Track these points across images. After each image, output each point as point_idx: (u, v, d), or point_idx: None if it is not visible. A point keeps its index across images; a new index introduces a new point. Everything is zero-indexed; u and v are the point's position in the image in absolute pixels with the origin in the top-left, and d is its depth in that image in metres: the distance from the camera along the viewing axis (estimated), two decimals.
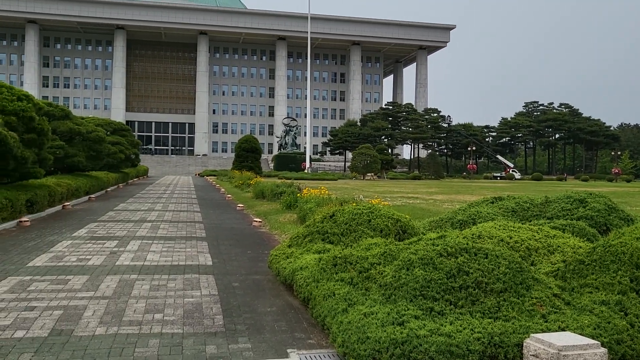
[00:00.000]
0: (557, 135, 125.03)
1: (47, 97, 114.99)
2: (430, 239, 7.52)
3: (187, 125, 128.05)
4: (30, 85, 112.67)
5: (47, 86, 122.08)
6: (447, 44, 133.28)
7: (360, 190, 33.72)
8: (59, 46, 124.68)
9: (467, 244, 5.97)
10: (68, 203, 22.03)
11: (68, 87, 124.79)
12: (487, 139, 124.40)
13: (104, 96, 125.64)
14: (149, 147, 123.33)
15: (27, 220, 15.82)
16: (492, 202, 13.08)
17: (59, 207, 20.96)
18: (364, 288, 6.22)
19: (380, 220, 8.56)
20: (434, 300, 5.31)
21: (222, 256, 11.06)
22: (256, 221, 17.22)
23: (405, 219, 8.89)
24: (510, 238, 7.87)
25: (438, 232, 9.31)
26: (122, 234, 14.00)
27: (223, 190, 36.56)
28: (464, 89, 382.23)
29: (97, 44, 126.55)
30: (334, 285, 6.36)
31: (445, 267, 5.59)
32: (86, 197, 26.57)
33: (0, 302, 6.98)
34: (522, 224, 9.14)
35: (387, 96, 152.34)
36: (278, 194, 24.06)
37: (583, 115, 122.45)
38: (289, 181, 28.70)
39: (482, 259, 5.68)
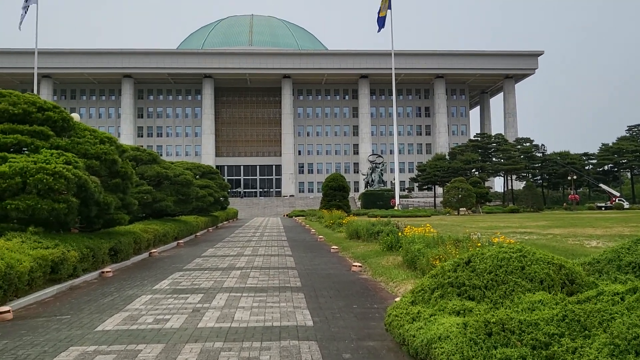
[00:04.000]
0: None
1: (142, 145, 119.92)
2: (617, 293, 5.26)
3: (273, 167, 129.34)
4: (127, 136, 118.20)
5: (142, 136, 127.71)
6: (535, 70, 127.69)
7: (462, 227, 30.96)
8: (151, 97, 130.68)
9: None
10: (155, 250, 21.04)
11: (161, 136, 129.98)
12: (586, 167, 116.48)
13: (194, 143, 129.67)
14: (238, 190, 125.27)
15: (110, 271, 14.68)
16: None
17: (145, 255, 19.97)
18: None
19: (538, 267, 6.33)
20: None
21: (323, 312, 9.13)
22: (355, 265, 15.22)
23: (570, 264, 6.60)
24: None
25: (610, 281, 6.93)
26: (208, 285, 12.42)
27: (313, 230, 34.94)
28: (557, 116, 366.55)
29: (186, 93, 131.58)
30: None
31: None
32: (174, 243, 25.69)
33: None
34: None
35: (474, 128, 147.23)
36: (374, 233, 21.99)
37: None
38: (384, 219, 26.57)
39: None
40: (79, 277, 13.30)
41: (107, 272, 14.55)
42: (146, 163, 27.64)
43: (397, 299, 9.50)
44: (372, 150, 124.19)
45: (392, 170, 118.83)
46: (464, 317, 6.06)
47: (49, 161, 13.73)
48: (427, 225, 18.36)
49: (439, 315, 6.20)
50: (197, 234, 33.20)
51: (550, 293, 6.09)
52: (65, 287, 12.28)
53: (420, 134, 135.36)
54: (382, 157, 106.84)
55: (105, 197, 16.06)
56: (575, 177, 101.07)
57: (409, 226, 19.06)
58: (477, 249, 7.08)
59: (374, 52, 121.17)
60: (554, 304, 5.59)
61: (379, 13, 65.38)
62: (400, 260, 15.13)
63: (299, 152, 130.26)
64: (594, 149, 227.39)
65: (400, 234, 18.23)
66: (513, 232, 24.34)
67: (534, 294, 6.03)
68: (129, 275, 14.59)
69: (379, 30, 66.64)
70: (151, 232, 21.79)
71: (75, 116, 21.83)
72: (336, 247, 21.41)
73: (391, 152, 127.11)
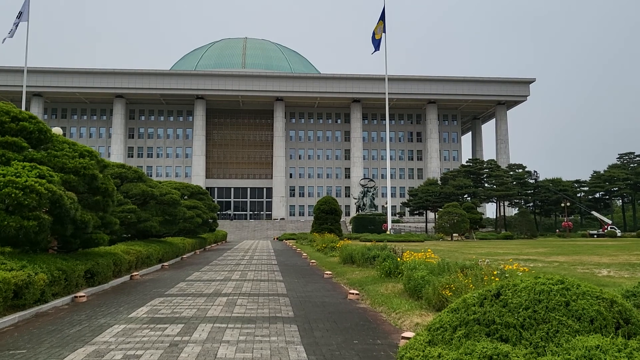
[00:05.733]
0: None
1: (132, 166, 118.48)
2: None
3: (264, 189, 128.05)
4: (117, 156, 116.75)
5: (132, 156, 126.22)
6: (528, 97, 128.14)
7: (460, 253, 29.86)
8: (143, 118, 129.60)
9: None
10: (137, 272, 19.74)
11: (151, 157, 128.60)
12: (578, 194, 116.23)
13: (184, 164, 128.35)
14: (228, 212, 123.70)
15: (84, 296, 13.40)
16: None
17: (126, 278, 18.66)
18: None
19: (586, 303, 5.23)
20: None
21: (320, 350, 7.94)
22: (352, 293, 14.03)
23: (621, 299, 5.51)
24: None
25: None
26: (190, 313, 11.18)
27: (305, 254, 33.68)
28: (549, 143, 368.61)
29: (178, 114, 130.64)
30: None
31: None
32: (159, 265, 24.36)
33: None
34: None
35: (466, 154, 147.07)
36: (370, 258, 20.83)
37: None
38: (380, 243, 25.42)
39: None
40: (48, 303, 12.02)
41: (80, 297, 13.28)
42: (131, 181, 26.43)
43: (407, 334, 8.34)
44: (364, 174, 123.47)
45: (383, 195, 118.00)
46: None
47: (20, 174, 12.54)
48: (429, 250, 17.24)
49: None
50: (184, 256, 31.84)
51: (603, 335, 4.98)
52: (30, 314, 11.00)
53: (412, 159, 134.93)
54: (373, 181, 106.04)
55: (83, 215, 14.83)
56: (568, 204, 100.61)
57: (408, 251, 17.93)
58: (506, 279, 5.96)
59: (366, 77, 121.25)
60: (615, 351, 4.48)
61: (374, 35, 64.99)
62: (400, 288, 13.97)
63: (291, 175, 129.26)
64: (585, 176, 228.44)
65: (399, 259, 17.10)
66: (515, 260, 23.22)
67: (584, 336, 4.91)
68: (104, 300, 13.31)
69: (374, 52, 66.14)
70: (133, 254, 20.51)
71: (56, 130, 20.68)
72: (330, 273, 20.20)
73: (383, 176, 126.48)
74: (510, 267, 11.05)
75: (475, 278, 10.17)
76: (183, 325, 9.84)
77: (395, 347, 8.17)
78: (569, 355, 4.54)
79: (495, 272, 10.11)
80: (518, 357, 4.93)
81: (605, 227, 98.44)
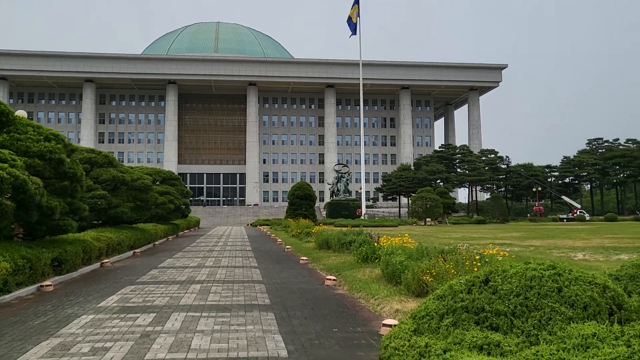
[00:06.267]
0: (626, 173, 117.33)
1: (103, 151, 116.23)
2: None
3: (238, 175, 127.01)
4: (87, 142, 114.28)
5: (103, 142, 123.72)
6: (500, 83, 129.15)
7: (434, 237, 29.88)
8: (114, 103, 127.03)
9: None
10: (108, 260, 19.18)
11: (122, 142, 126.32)
12: (548, 179, 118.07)
13: (156, 150, 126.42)
14: (201, 198, 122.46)
15: (50, 285, 12.86)
16: None
17: (96, 265, 18.11)
18: None
19: (579, 288, 5.00)
20: None
21: (298, 339, 7.64)
22: (329, 279, 13.76)
23: (613, 285, 5.30)
24: None
25: None
26: (163, 302, 10.77)
27: (280, 240, 33.35)
28: (520, 129, 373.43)
29: (149, 100, 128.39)
30: None
31: None
32: (130, 252, 23.79)
33: None
34: None
35: (439, 139, 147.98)
36: (346, 243, 20.61)
37: None
38: (356, 229, 25.22)
39: None
40: (11, 293, 11.47)
41: (47, 286, 12.74)
42: (101, 166, 25.67)
43: (388, 321, 8.09)
44: (338, 159, 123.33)
45: (357, 180, 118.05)
46: (492, 354, 4.67)
47: None
48: (406, 235, 17.06)
49: (456, 351, 4.79)
50: (156, 242, 31.24)
51: (597, 322, 4.76)
52: None
53: (386, 145, 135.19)
54: (347, 166, 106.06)
55: (49, 201, 14.23)
56: (540, 188, 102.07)
57: (385, 236, 17.74)
58: (493, 265, 5.71)
59: (340, 62, 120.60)
60: (612, 339, 4.26)
61: (350, 19, 64.44)
62: (378, 274, 13.76)
63: (264, 160, 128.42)
64: (556, 161, 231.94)
65: (375, 244, 16.89)
66: (489, 244, 23.24)
67: (579, 324, 4.69)
68: (73, 289, 12.81)
69: (351, 35, 65.68)
70: (104, 241, 19.92)
71: (20, 112, 19.86)
72: (306, 258, 19.92)
73: (356, 162, 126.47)
74: (490, 251, 10.88)
75: (457, 263, 9.97)
76: (155, 314, 9.45)
77: (376, 335, 7.92)
78: (565, 344, 4.30)
79: (477, 257, 9.92)
80: (510, 346, 4.70)
81: (575, 211, 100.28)
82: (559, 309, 4.90)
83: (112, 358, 6.54)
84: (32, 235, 15.56)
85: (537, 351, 4.24)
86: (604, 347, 4.14)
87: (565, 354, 4.13)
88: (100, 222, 27.16)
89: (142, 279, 14.64)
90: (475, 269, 9.21)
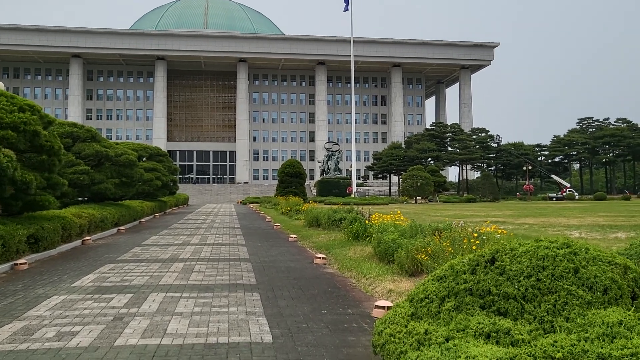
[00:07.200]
0: (615, 152, 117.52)
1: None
2: None
3: (228, 153, 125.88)
4: (75, 118, 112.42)
5: (91, 118, 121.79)
6: (491, 62, 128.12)
7: (426, 215, 29.41)
8: (101, 79, 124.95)
9: None
10: (89, 237, 18.52)
11: (111, 119, 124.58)
12: (539, 158, 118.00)
13: (145, 127, 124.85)
14: (190, 175, 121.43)
15: (25, 263, 12.22)
16: None
17: (77, 243, 17.45)
18: None
19: (597, 269, 4.45)
20: None
21: (285, 321, 7.08)
22: (319, 257, 13.22)
23: (635, 266, 4.75)
24: None
25: None
26: (142, 281, 10.17)
27: (269, 218, 32.78)
28: (511, 108, 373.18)
29: (138, 76, 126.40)
30: None
31: None
32: (114, 230, 23.13)
33: None
34: None
35: (430, 118, 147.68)
36: (337, 220, 20.08)
37: None
38: (347, 206, 24.68)
39: None
40: None
41: (21, 264, 12.10)
42: (84, 141, 24.84)
43: (380, 302, 7.55)
44: (329, 137, 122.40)
45: (348, 159, 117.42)
46: (501, 343, 4.11)
47: None
48: (398, 212, 16.52)
49: (459, 339, 4.23)
50: (142, 220, 30.56)
51: (619, 307, 4.21)
52: None
53: (377, 123, 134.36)
54: (338, 145, 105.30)
55: (24, 175, 13.50)
56: (530, 167, 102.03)
57: (376, 213, 17.20)
58: (502, 243, 5.12)
59: (331, 39, 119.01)
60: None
61: None
62: (369, 252, 13.22)
63: (254, 138, 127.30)
64: (546, 140, 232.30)
65: (367, 221, 16.35)
66: (482, 222, 22.77)
67: (600, 309, 4.14)
68: (49, 268, 12.17)
69: (345, 9, 64.60)
70: (85, 217, 19.23)
71: None
72: (294, 236, 19.37)
73: (347, 140, 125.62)
74: (487, 229, 10.34)
75: (453, 241, 9.42)
76: (132, 295, 8.85)
77: (368, 317, 7.38)
78: (586, 333, 3.74)
79: (475, 235, 9.38)
80: (522, 334, 4.14)
81: (564, 190, 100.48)
82: (575, 292, 4.34)
83: (78, 344, 5.95)
84: (7, 212, 14.86)
85: (555, 341, 3.68)
86: (633, 338, 3.60)
87: (589, 344, 3.58)
88: (85, 199, 26.46)
89: (123, 257, 14.03)
90: (474, 247, 8.68)
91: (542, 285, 4.47)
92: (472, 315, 4.57)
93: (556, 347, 3.61)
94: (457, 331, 4.42)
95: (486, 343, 4.14)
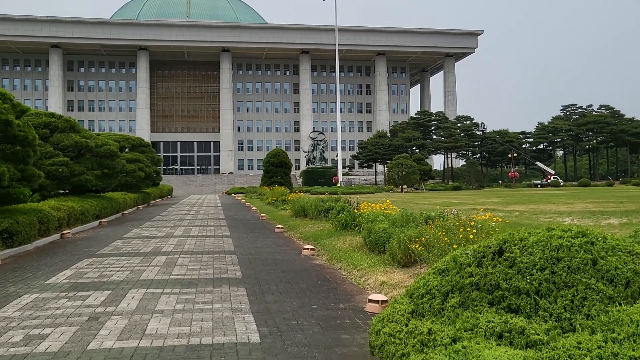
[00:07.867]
0: (598, 139, 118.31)
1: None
2: None
3: (212, 143, 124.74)
4: (55, 110, 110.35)
5: (72, 110, 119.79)
6: (475, 50, 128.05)
7: (413, 204, 29.08)
8: (82, 69, 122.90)
9: None
10: (68, 231, 17.90)
11: (93, 110, 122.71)
12: (523, 146, 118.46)
13: (128, 118, 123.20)
14: (174, 167, 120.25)
15: None
16: None
17: (56, 236, 16.83)
18: None
19: (617, 260, 4.04)
20: None
21: (273, 319, 6.62)
22: (307, 249, 12.78)
23: None
24: None
25: None
26: (121, 277, 9.66)
27: (254, 208, 32.27)
28: (495, 96, 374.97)
29: (120, 66, 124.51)
30: None
31: None
32: (96, 222, 22.49)
33: None
34: None
35: (415, 106, 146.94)
36: (324, 210, 19.63)
37: (626, 117, 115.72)
38: (334, 195, 24.24)
39: None
40: None
41: None
42: (63, 131, 24.07)
43: (374, 296, 7.12)
44: (314, 127, 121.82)
45: (333, 148, 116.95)
46: (515, 345, 3.69)
47: None
48: (387, 201, 16.11)
49: (468, 340, 3.81)
50: (125, 212, 29.88)
51: None
52: None
53: (362, 112, 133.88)
54: (323, 134, 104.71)
55: None
56: (515, 154, 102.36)
57: (365, 202, 16.78)
58: (510, 232, 4.69)
59: (315, 27, 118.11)
60: None
61: None
62: (359, 242, 12.80)
63: (239, 128, 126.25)
64: (530, 127, 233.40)
65: (355, 211, 15.93)
66: (472, 209, 22.48)
67: (623, 304, 3.73)
68: (22, 264, 11.59)
69: None
70: (64, 210, 18.59)
71: None
72: (281, 227, 18.91)
73: (332, 129, 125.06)
74: (482, 217, 9.95)
75: (448, 230, 9.01)
76: (110, 292, 8.34)
77: (361, 312, 6.95)
78: (614, 333, 3.33)
79: (472, 223, 8.97)
80: (538, 334, 3.72)
81: (549, 177, 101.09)
82: (595, 286, 3.92)
83: (47, 349, 5.44)
84: None
85: (580, 342, 3.26)
86: None
87: (618, 346, 3.16)
88: (66, 191, 25.76)
89: (102, 251, 13.48)
90: (471, 236, 8.28)
91: (558, 279, 4.05)
92: (480, 313, 4.14)
93: (582, 350, 3.19)
94: (465, 331, 3.99)
95: (498, 344, 3.72)
